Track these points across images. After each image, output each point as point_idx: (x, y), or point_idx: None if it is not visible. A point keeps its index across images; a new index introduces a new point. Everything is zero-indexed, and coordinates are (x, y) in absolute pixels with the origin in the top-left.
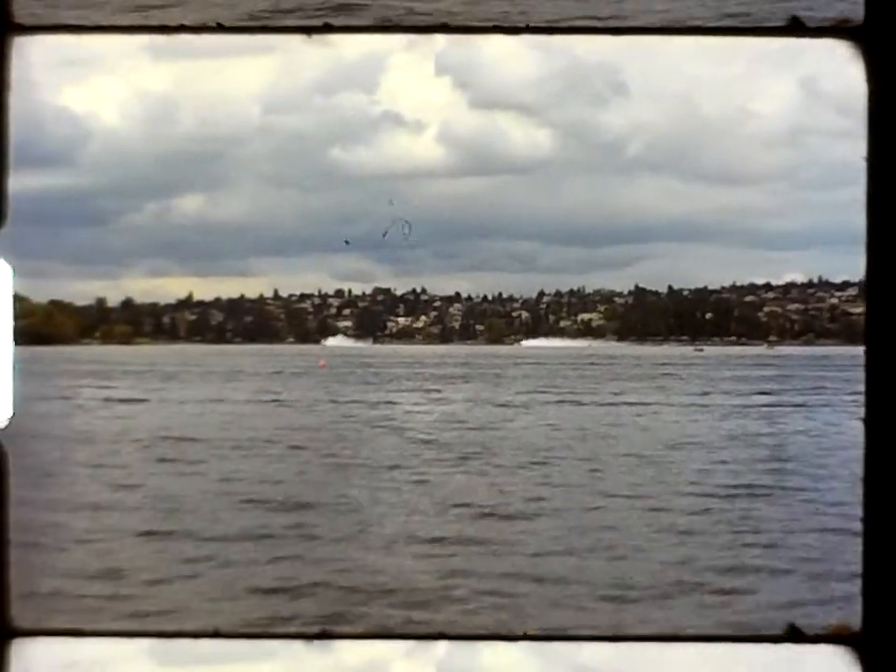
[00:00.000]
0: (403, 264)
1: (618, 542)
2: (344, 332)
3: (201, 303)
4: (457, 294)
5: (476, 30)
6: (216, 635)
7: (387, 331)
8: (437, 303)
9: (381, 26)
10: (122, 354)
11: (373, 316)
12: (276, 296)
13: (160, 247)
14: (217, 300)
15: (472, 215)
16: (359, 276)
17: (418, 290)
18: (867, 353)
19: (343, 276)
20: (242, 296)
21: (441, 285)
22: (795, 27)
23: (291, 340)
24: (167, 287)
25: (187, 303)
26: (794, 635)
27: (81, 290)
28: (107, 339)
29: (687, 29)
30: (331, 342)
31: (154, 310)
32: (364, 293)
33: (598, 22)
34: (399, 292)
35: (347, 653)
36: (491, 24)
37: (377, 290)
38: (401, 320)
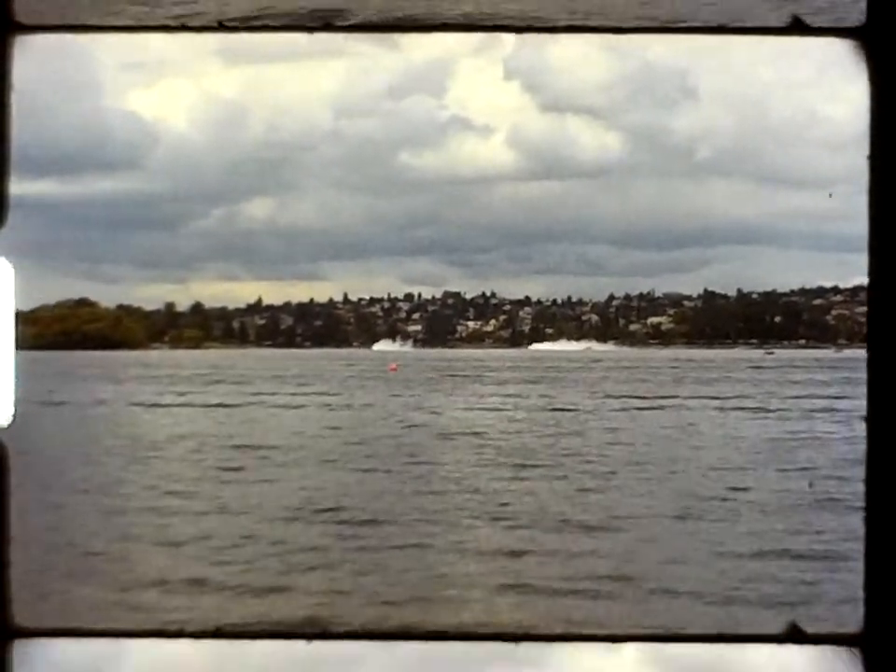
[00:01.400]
0: (474, 268)
1: None
2: (414, 336)
3: (270, 307)
4: (527, 297)
5: (475, 29)
6: (216, 634)
7: (457, 335)
8: (507, 307)
9: (381, 26)
10: (193, 358)
11: (443, 320)
12: (346, 300)
13: (228, 252)
14: (287, 304)
15: (542, 218)
16: (429, 280)
17: (488, 294)
18: (869, 353)
19: (413, 280)
20: (311, 300)
21: (511, 288)
22: (797, 27)
23: (357, 344)
24: (236, 292)
25: (256, 308)
26: (796, 635)
27: (150, 295)
28: (176, 343)
29: (687, 29)
30: (380, 346)
31: (223, 314)
32: (434, 297)
33: (609, 22)
34: (468, 296)
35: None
36: (496, 24)
37: (447, 294)
38: (471, 324)
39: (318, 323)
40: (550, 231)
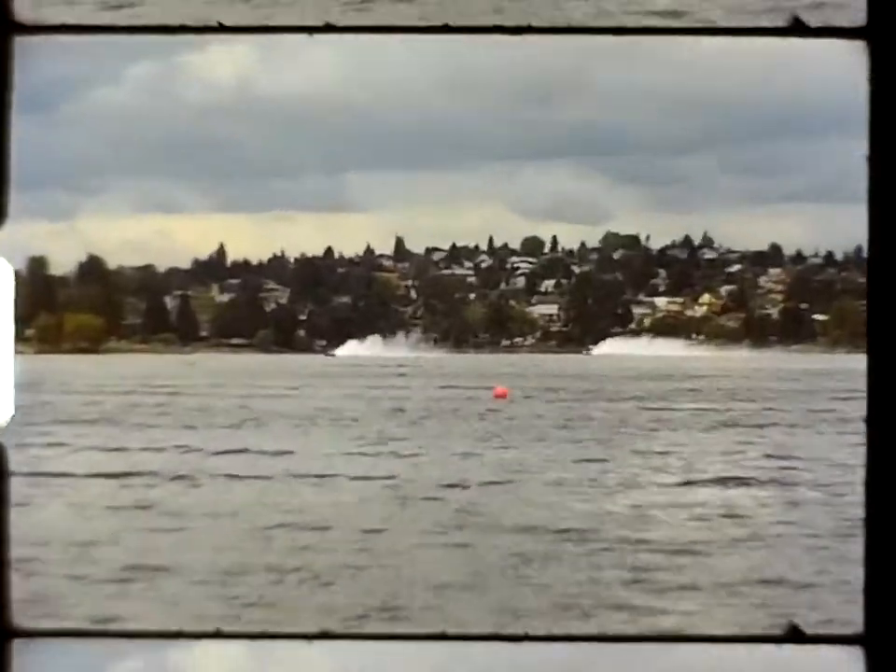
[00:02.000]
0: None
1: None
2: (546, 328)
3: (242, 266)
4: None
5: (476, 30)
6: (216, 635)
7: (628, 325)
8: (737, 267)
9: (382, 26)
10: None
11: (606, 292)
12: (399, 249)
13: (153, 155)
14: (278, 259)
15: None
16: (551, 210)
17: (696, 239)
18: (869, 354)
19: (529, 210)
20: (328, 250)
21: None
22: (797, 27)
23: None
24: (173, 235)
25: (213, 267)
26: (796, 635)
27: None
28: (50, 339)
29: (688, 29)
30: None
31: (146, 282)
32: (583, 245)
33: (602, 22)
34: (654, 242)
35: None
36: (491, 24)
37: (611, 237)
38: (662, 301)
39: (344, 300)
40: None
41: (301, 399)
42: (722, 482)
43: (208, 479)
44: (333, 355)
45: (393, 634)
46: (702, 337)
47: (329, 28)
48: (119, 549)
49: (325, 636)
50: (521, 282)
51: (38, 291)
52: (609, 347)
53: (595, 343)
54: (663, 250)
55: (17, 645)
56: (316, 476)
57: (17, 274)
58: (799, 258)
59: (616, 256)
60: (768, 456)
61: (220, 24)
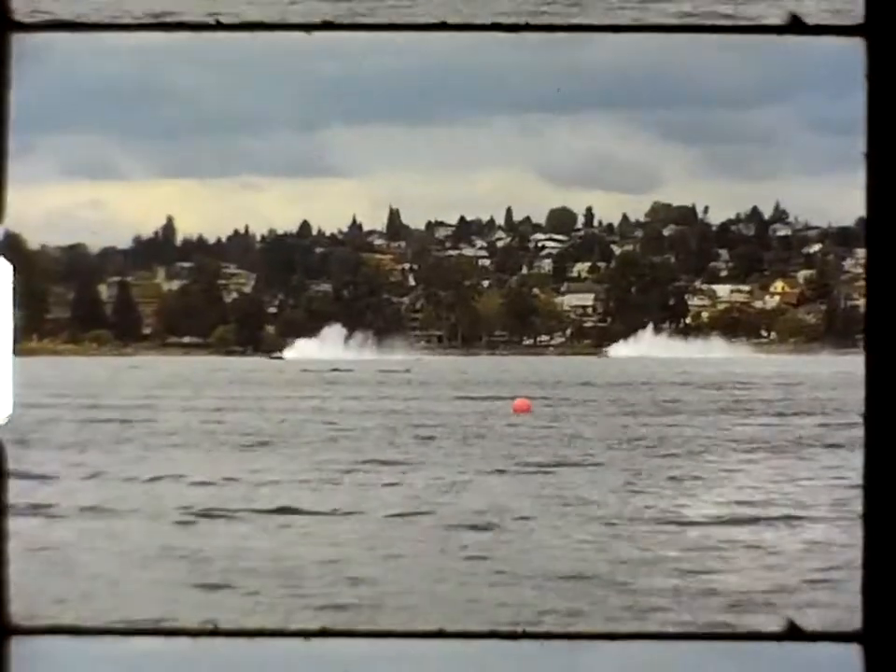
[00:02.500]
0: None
1: None
2: (579, 321)
3: (196, 245)
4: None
5: (475, 28)
6: (214, 633)
7: (681, 321)
8: (818, 247)
9: (381, 25)
10: None
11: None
12: (393, 221)
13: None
14: (241, 235)
15: None
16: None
17: (742, 211)
18: (867, 352)
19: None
20: (304, 225)
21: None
22: (796, 26)
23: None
24: (108, 204)
25: (160, 246)
26: (794, 633)
27: None
28: None
29: (687, 27)
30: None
31: (75, 263)
32: (607, 224)
33: (599, 20)
34: (710, 215)
35: None
36: (490, 23)
37: (658, 205)
38: (724, 288)
39: (324, 288)
40: None
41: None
42: None
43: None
44: (280, 357)
45: (390, 631)
46: (773, 335)
47: (327, 26)
48: None
49: (323, 633)
50: (547, 265)
51: None
52: (647, 346)
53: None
54: (724, 226)
55: (15, 643)
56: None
57: None
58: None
59: (666, 232)
60: None
61: (218, 22)
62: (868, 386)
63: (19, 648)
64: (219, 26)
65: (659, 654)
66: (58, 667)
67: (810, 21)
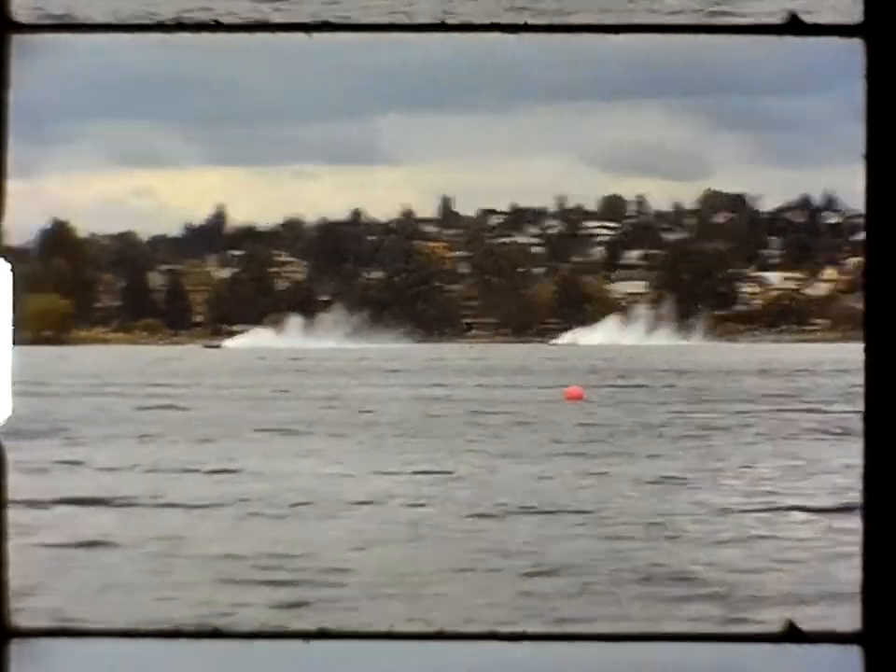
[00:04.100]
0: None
1: None
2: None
3: (247, 232)
4: None
5: (475, 28)
6: (215, 634)
7: (729, 307)
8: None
9: (381, 25)
10: None
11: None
12: (447, 210)
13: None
14: (294, 223)
15: None
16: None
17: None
18: (867, 350)
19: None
20: (356, 213)
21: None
22: (795, 26)
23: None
24: (155, 190)
25: (205, 235)
26: (794, 634)
27: None
28: None
29: (687, 27)
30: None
31: (127, 251)
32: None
33: (598, 20)
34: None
35: None
36: (490, 23)
37: (712, 194)
38: (777, 276)
39: (376, 275)
40: None
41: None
42: None
43: None
44: (218, 346)
45: (390, 633)
46: (826, 321)
47: (327, 26)
48: None
49: (322, 635)
50: (599, 253)
51: None
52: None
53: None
54: (775, 213)
55: (15, 644)
56: None
57: None
58: None
59: (717, 220)
60: None
61: (217, 22)
62: (867, 384)
63: (19, 649)
64: (219, 27)
65: (659, 655)
66: (58, 669)
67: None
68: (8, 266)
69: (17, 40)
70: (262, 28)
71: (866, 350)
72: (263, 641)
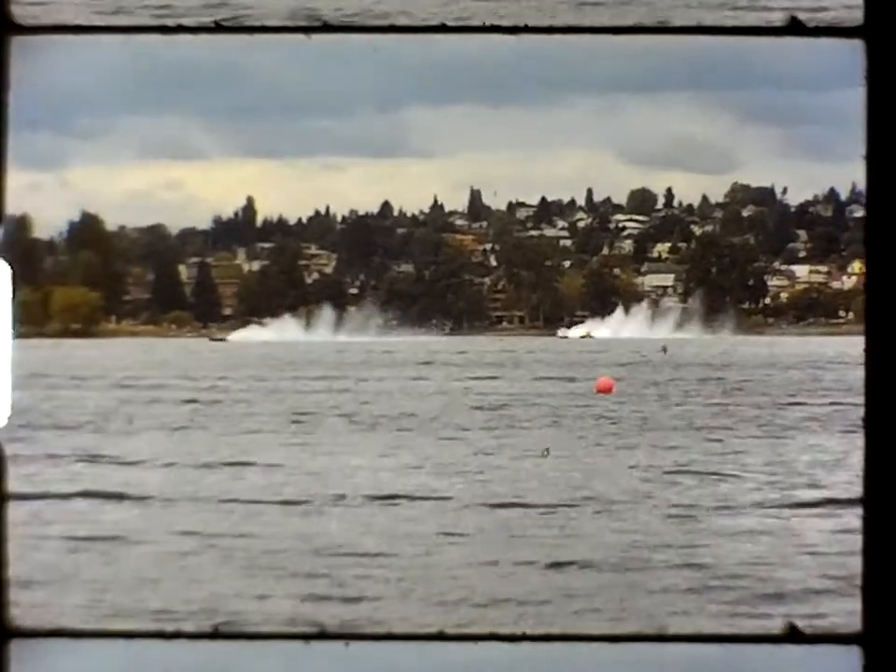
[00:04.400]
0: None
1: None
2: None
3: (274, 225)
4: None
5: (474, 30)
6: (215, 635)
7: (760, 300)
8: None
9: (380, 26)
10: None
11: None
12: (475, 202)
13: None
14: (321, 217)
15: None
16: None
17: None
18: (867, 346)
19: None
20: (386, 205)
21: None
22: (795, 27)
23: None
24: (184, 183)
25: (237, 227)
26: (794, 635)
27: None
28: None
29: (687, 28)
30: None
31: (156, 245)
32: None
33: (597, 21)
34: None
35: None
36: (489, 24)
37: (738, 187)
38: (801, 268)
39: (405, 268)
40: None
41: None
42: None
43: None
44: (224, 339)
45: (390, 634)
46: (850, 315)
47: (326, 28)
48: None
49: (322, 636)
50: (628, 246)
51: (18, 259)
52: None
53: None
54: (803, 207)
55: (16, 645)
56: None
57: None
58: None
59: (746, 213)
60: None
61: (217, 24)
62: (867, 383)
63: (19, 650)
64: (219, 28)
65: (659, 656)
66: (58, 670)
67: None
68: (8, 267)
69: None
70: (262, 30)
71: (867, 347)
72: (264, 642)
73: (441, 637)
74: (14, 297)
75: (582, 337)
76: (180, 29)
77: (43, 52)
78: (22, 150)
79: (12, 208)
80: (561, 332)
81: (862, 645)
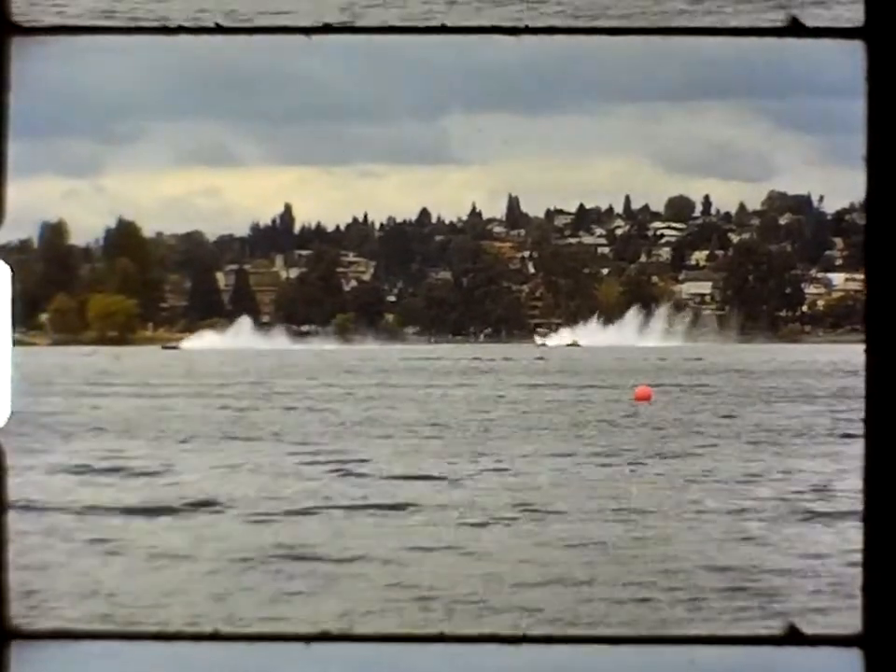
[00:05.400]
0: None
1: None
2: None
3: (313, 233)
4: None
5: (475, 30)
6: (215, 637)
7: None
8: None
9: (380, 27)
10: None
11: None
12: (514, 209)
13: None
14: (358, 225)
15: None
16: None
17: None
18: (867, 352)
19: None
20: (423, 213)
21: None
22: (796, 28)
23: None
24: (223, 191)
25: (275, 238)
26: (795, 636)
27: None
28: (68, 324)
29: (687, 29)
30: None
31: (199, 255)
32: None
33: (598, 22)
34: None
35: None
36: (490, 25)
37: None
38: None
39: (443, 276)
40: None
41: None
42: None
43: None
44: (176, 347)
45: (390, 635)
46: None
47: (327, 29)
48: None
49: (323, 637)
50: (665, 253)
51: (55, 266)
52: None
53: (761, 328)
54: (839, 214)
55: (16, 647)
56: None
57: (28, 244)
58: None
59: (782, 221)
60: None
61: (218, 25)
62: (868, 385)
63: (19, 651)
64: (219, 29)
65: (659, 657)
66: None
67: None
68: (7, 268)
69: (74, 39)
70: (262, 31)
71: (867, 352)
72: (264, 643)
73: (441, 638)
74: (48, 305)
75: (569, 345)
76: (180, 30)
77: (77, 58)
78: (58, 157)
79: (48, 215)
80: (539, 340)
81: (863, 647)
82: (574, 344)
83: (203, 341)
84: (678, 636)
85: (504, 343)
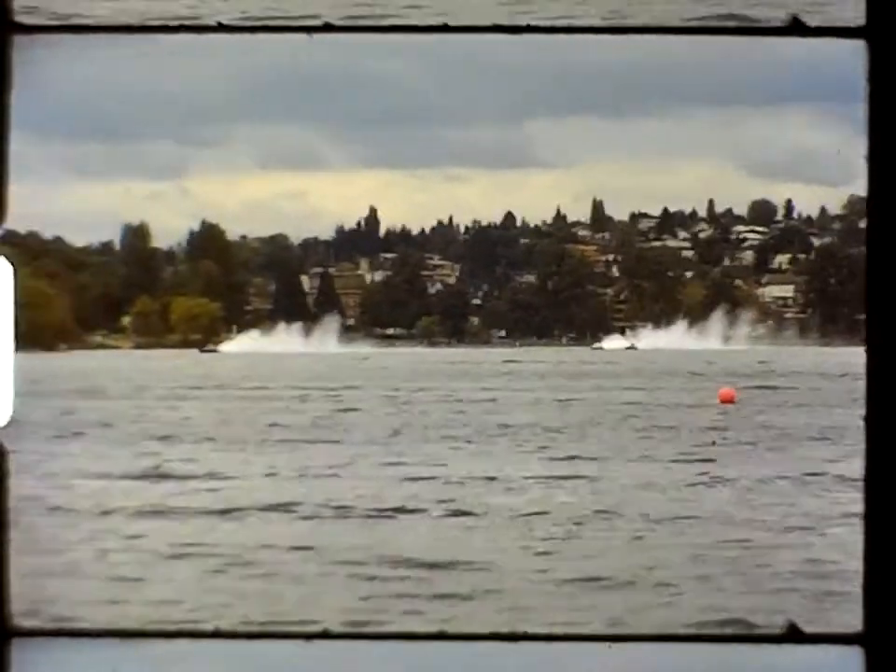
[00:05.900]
0: None
1: None
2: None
3: (398, 234)
4: None
5: (476, 30)
6: (215, 635)
7: None
8: None
9: (380, 27)
10: None
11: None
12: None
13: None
14: (444, 227)
15: None
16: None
17: None
18: (868, 352)
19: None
20: (508, 216)
21: None
22: (797, 27)
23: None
24: (308, 193)
25: (363, 241)
26: (795, 635)
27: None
28: (149, 330)
29: (687, 29)
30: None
31: (281, 256)
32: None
33: (598, 22)
34: None
35: None
36: (491, 24)
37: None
38: None
39: (528, 279)
40: None
41: None
42: None
43: None
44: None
45: (392, 633)
46: None
47: (328, 28)
48: None
49: (324, 635)
50: (748, 256)
51: (137, 268)
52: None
53: (839, 331)
54: None
55: (16, 645)
56: None
57: (110, 246)
58: None
59: (863, 225)
60: None
61: (220, 24)
62: (868, 386)
63: (19, 650)
64: (221, 28)
65: (658, 657)
66: (58, 670)
67: None
68: (9, 266)
69: (165, 39)
70: (264, 30)
71: (867, 354)
72: (264, 641)
73: (441, 636)
74: (131, 308)
75: (627, 349)
76: (182, 28)
77: (162, 60)
78: (142, 159)
79: (131, 217)
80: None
81: (864, 645)
82: (632, 347)
83: (285, 343)
84: (678, 635)
85: (566, 347)
